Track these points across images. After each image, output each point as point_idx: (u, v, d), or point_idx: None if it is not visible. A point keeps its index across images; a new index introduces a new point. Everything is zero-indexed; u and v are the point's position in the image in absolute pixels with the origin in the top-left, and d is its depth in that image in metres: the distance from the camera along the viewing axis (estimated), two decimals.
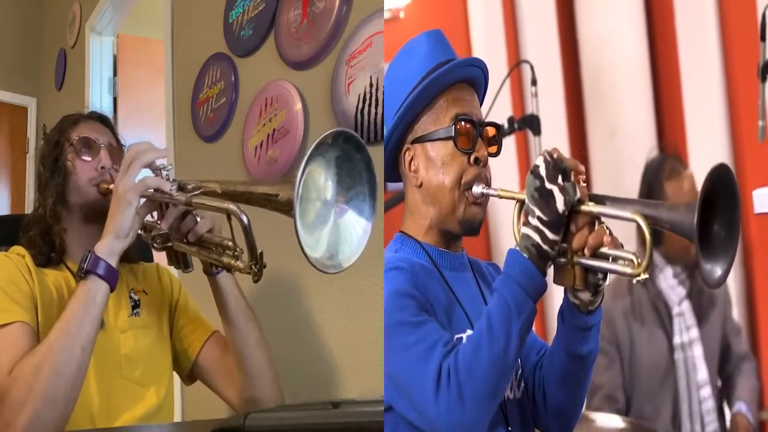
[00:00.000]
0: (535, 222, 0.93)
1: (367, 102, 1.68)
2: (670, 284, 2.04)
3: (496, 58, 2.78)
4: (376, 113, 1.65)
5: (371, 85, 1.67)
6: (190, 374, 1.56)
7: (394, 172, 1.12)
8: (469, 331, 1.01)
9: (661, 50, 2.74)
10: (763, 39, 1.49)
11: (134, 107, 3.89)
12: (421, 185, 1.07)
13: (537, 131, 1.92)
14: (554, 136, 2.71)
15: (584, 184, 0.95)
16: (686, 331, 2.03)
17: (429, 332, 0.93)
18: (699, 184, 1.99)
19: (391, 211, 2.08)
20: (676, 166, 2.06)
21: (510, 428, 1.04)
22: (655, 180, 2.04)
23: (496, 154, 1.08)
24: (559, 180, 0.92)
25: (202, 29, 2.50)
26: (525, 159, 2.58)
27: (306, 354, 1.85)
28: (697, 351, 2.03)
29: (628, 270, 0.91)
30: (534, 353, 1.11)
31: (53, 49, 4.48)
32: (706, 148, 2.57)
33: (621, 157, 2.68)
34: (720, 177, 0.89)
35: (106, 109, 3.71)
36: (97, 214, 1.38)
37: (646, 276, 0.90)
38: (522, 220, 0.96)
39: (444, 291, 1.03)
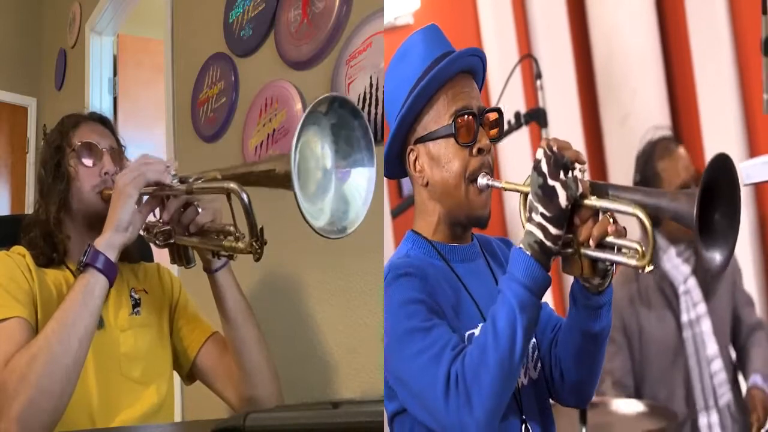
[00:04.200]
0: (538, 218, 0.93)
1: (367, 102, 1.68)
2: (675, 264, 2.04)
3: (508, 54, 2.78)
4: (376, 113, 1.65)
5: (371, 85, 1.67)
6: (189, 374, 1.56)
7: (397, 169, 1.12)
8: (481, 326, 1.02)
9: (672, 33, 2.73)
10: (764, 12, 1.44)
11: (134, 107, 3.89)
12: (427, 184, 1.07)
13: (544, 123, 1.94)
14: (568, 124, 2.73)
15: (586, 177, 0.95)
16: (693, 308, 2.03)
17: (438, 336, 0.94)
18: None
19: (402, 215, 2.09)
20: (668, 144, 2.07)
21: (524, 416, 1.04)
22: (649, 161, 2.06)
23: (497, 138, 1.08)
24: (561, 175, 0.93)
25: (202, 29, 2.50)
26: None
27: (306, 354, 1.85)
28: (705, 326, 2.02)
29: (633, 261, 0.91)
30: (549, 331, 1.11)
31: (53, 49, 4.48)
32: (720, 129, 2.57)
33: (635, 142, 2.68)
34: (720, 166, 0.89)
35: (106, 109, 3.71)
36: (99, 222, 1.36)
37: (651, 268, 0.90)
38: (526, 215, 0.97)
39: (455, 288, 1.04)
